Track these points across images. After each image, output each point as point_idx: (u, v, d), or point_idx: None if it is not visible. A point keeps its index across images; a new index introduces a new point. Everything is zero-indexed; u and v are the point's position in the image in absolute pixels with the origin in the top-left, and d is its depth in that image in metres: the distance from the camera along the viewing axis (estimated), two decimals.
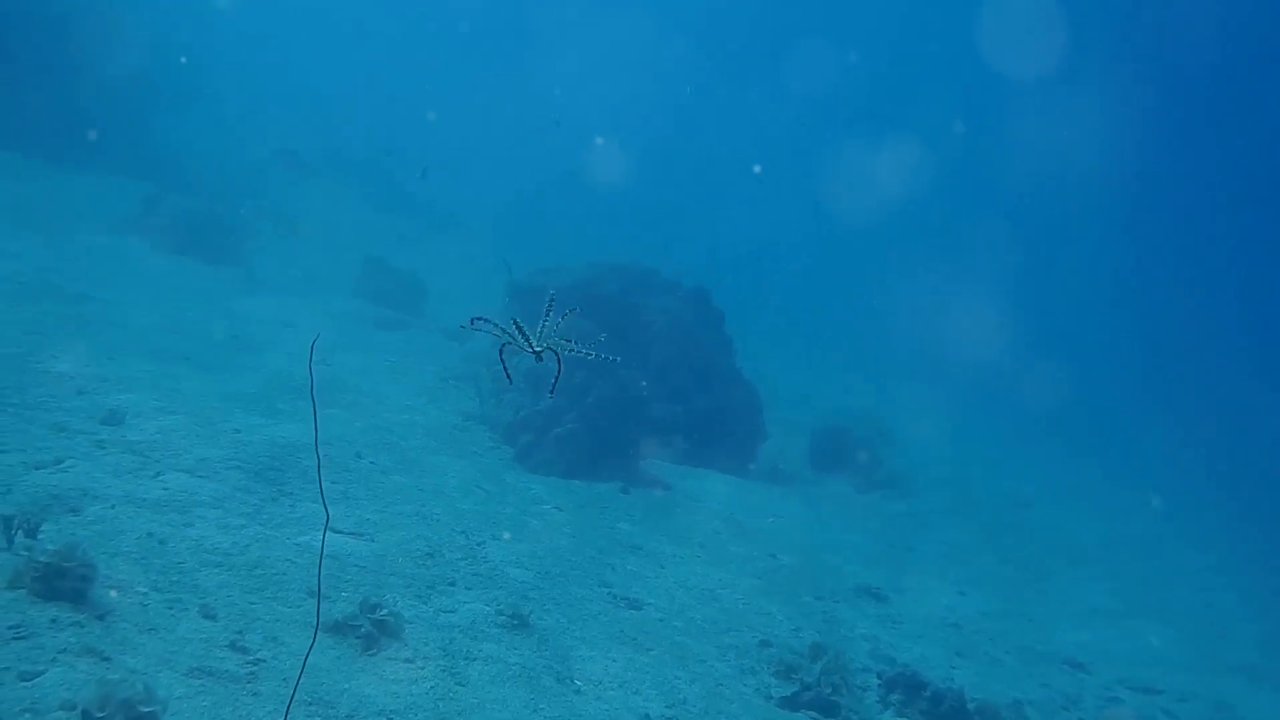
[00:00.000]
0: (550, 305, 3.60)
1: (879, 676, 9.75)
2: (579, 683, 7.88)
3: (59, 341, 11.90)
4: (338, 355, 15.73)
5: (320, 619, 7.26)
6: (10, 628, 5.70)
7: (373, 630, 7.24)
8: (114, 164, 22.86)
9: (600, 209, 40.69)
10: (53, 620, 5.91)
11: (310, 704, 6.16)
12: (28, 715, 4.97)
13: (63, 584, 6.17)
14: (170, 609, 6.61)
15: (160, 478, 8.83)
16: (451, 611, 8.21)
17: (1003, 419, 29.32)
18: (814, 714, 8.87)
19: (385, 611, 7.39)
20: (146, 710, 5.19)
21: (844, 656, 9.74)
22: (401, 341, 18.82)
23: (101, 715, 5.08)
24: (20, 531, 6.80)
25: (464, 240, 32.74)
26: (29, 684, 5.25)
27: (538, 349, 3.62)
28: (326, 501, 9.72)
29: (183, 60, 26.94)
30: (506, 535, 10.30)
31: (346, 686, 6.51)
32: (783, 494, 16.29)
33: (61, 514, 7.46)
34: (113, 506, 7.83)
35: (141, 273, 17.79)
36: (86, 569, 6.28)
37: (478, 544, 9.78)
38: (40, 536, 6.92)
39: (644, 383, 15.07)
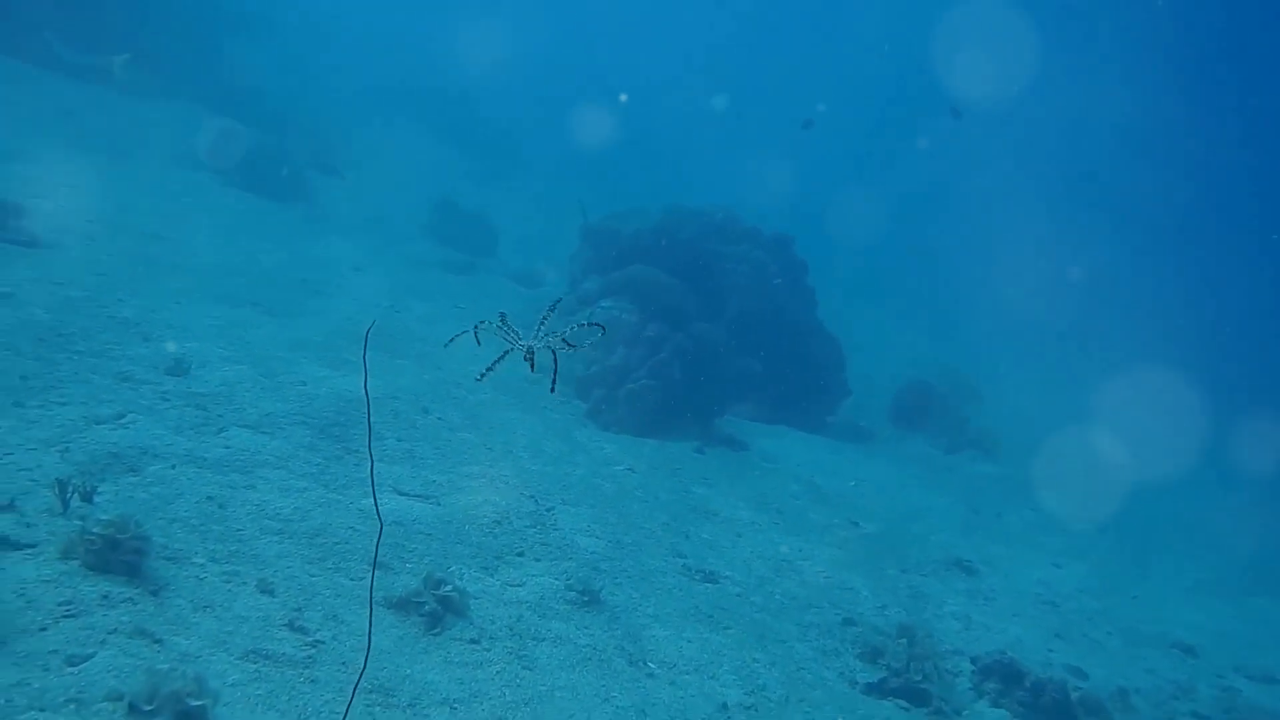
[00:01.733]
0: (553, 306, 3.47)
1: (973, 662, 9.13)
2: (652, 665, 7.43)
3: (126, 283, 11.68)
4: (406, 301, 15.37)
5: (383, 594, 6.89)
6: (60, 604, 5.40)
7: (437, 608, 6.85)
8: (189, 94, 22.72)
9: (667, 159, 39.57)
10: (104, 596, 5.60)
11: (370, 691, 5.79)
12: (72, 706, 4.66)
13: (116, 557, 5.86)
14: (227, 583, 6.28)
15: (223, 434, 8.53)
16: (519, 585, 7.80)
17: (1093, 377, 27.93)
18: (903, 703, 8.32)
19: (450, 588, 6.99)
20: (196, 704, 4.84)
21: (933, 639, 9.15)
22: (470, 286, 18.41)
23: (149, 709, 4.75)
24: (76, 495, 6.52)
25: (536, 181, 32.12)
26: (75, 670, 4.94)
27: (535, 346, 3.46)
28: (392, 460, 9.35)
29: None
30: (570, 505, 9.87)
31: (409, 672, 6.12)
32: (863, 454, 15.59)
33: (120, 474, 7.18)
34: (173, 466, 7.53)
35: (211, 210, 17.60)
36: (140, 542, 5.96)
37: (547, 510, 9.34)
38: (97, 500, 6.65)
39: (720, 336, 14.41)
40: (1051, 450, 18.17)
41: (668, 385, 13.17)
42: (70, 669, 4.94)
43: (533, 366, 3.52)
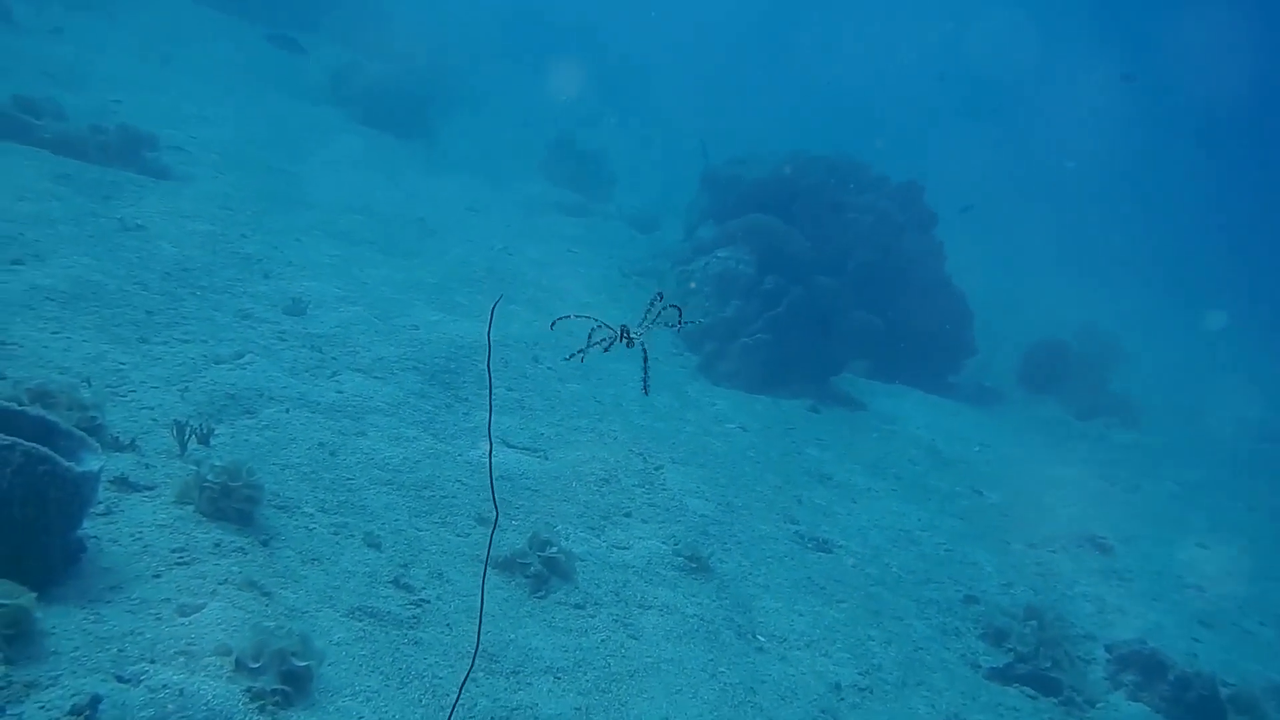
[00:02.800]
0: (657, 299, 3.39)
1: (1109, 651, 8.52)
2: (762, 639, 7.13)
3: (250, 219, 11.82)
4: (519, 243, 15.21)
5: (489, 556, 6.76)
6: (174, 551, 5.40)
7: (543, 570, 6.68)
8: (316, 26, 22.95)
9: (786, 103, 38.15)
10: (216, 544, 5.59)
11: (472, 657, 5.66)
12: (182, 659, 4.64)
13: (229, 504, 5.85)
14: (335, 535, 6.23)
15: (337, 378, 8.52)
16: (626, 549, 7.57)
17: (1248, 338, 25.94)
18: (1030, 690, 7.82)
19: (556, 549, 6.81)
20: (301, 665, 4.77)
21: (1064, 622, 8.57)
22: (584, 229, 18.14)
23: (255, 666, 4.70)
24: (194, 438, 6.56)
25: (653, 123, 31.50)
26: (187, 620, 4.92)
27: (634, 336, 3.39)
28: (501, 411, 9.22)
29: None
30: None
31: (513, 637, 5.98)
32: (988, 417, 14.80)
33: (237, 416, 7.22)
34: (287, 410, 7.54)
35: (333, 145, 17.74)
36: (253, 490, 5.93)
37: (655, 468, 9.08)
38: (213, 443, 6.68)
39: (841, 289, 13.77)
40: (1200, 419, 16.96)
41: (783, 340, 12.67)
42: (182, 619, 4.92)
43: (629, 344, 3.44)
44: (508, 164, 21.80)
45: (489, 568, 6.60)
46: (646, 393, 3.90)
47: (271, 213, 12.22)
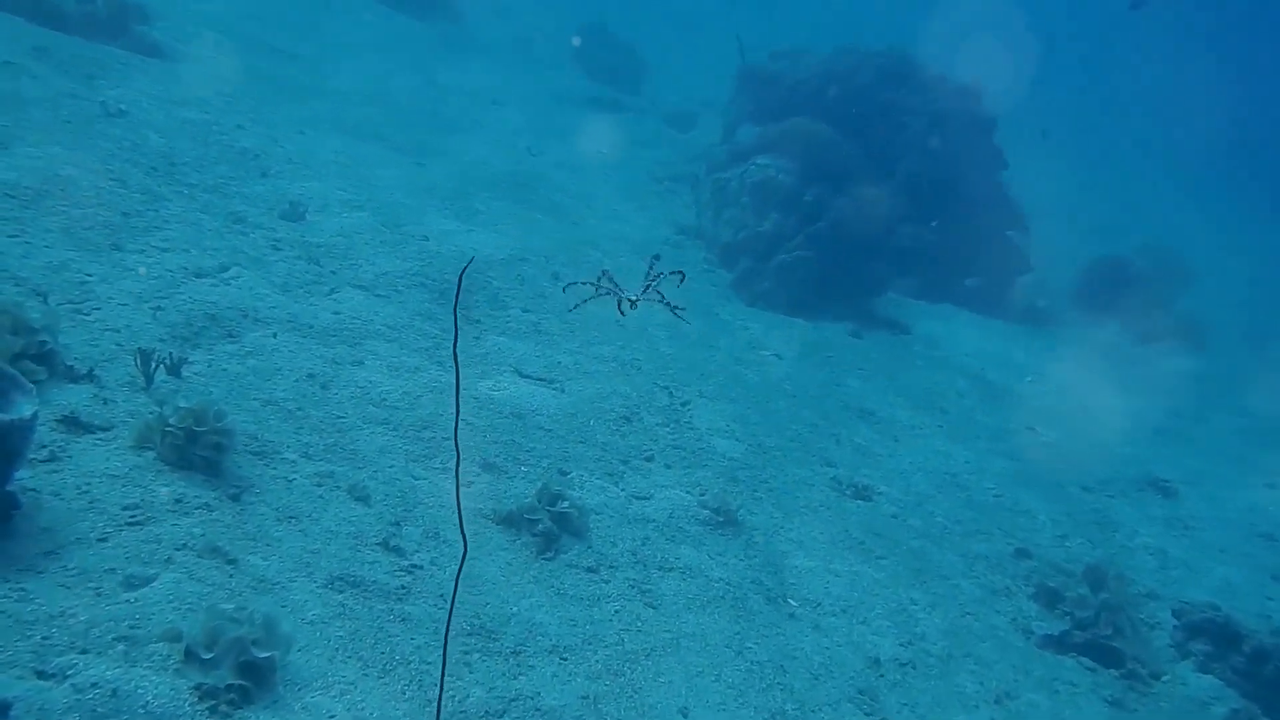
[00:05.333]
0: (654, 261, 3.46)
1: (1176, 616, 7.75)
2: (794, 604, 6.44)
3: (250, 107, 10.88)
4: (546, 142, 14.14)
5: (491, 505, 6.04)
6: (126, 508, 4.71)
7: (552, 527, 5.97)
8: None
9: None
10: (178, 500, 4.89)
11: (469, 635, 5.00)
12: (121, 647, 3.98)
13: (195, 452, 5.13)
14: (318, 486, 5.52)
15: (334, 295, 7.73)
16: (646, 499, 6.84)
17: None
18: (1088, 662, 7.12)
19: (567, 504, 6.08)
20: (264, 656, 4.10)
21: (1125, 581, 7.80)
22: (616, 127, 16.93)
23: (209, 657, 4.04)
24: (162, 368, 5.82)
25: (697, 8, 29.61)
26: (132, 595, 4.26)
27: (634, 299, 3.42)
28: (516, 335, 8.40)
29: None
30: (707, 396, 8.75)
31: (515, 609, 5.30)
32: (1042, 342, 13.80)
33: (216, 340, 6.46)
34: (275, 335, 6.77)
35: (349, 26, 16.58)
36: (222, 436, 5.20)
37: (682, 404, 8.28)
38: (186, 374, 5.94)
39: (889, 201, 12.66)
40: (1271, 345, 15.80)
41: (825, 257, 11.67)
42: (127, 595, 4.26)
43: (632, 306, 3.46)
44: (538, 50, 20.47)
45: (491, 523, 5.89)
46: (679, 316, 3.63)
47: (273, 101, 11.25)
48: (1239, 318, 16.92)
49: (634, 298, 3.39)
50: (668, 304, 3.47)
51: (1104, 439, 11.13)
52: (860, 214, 12.18)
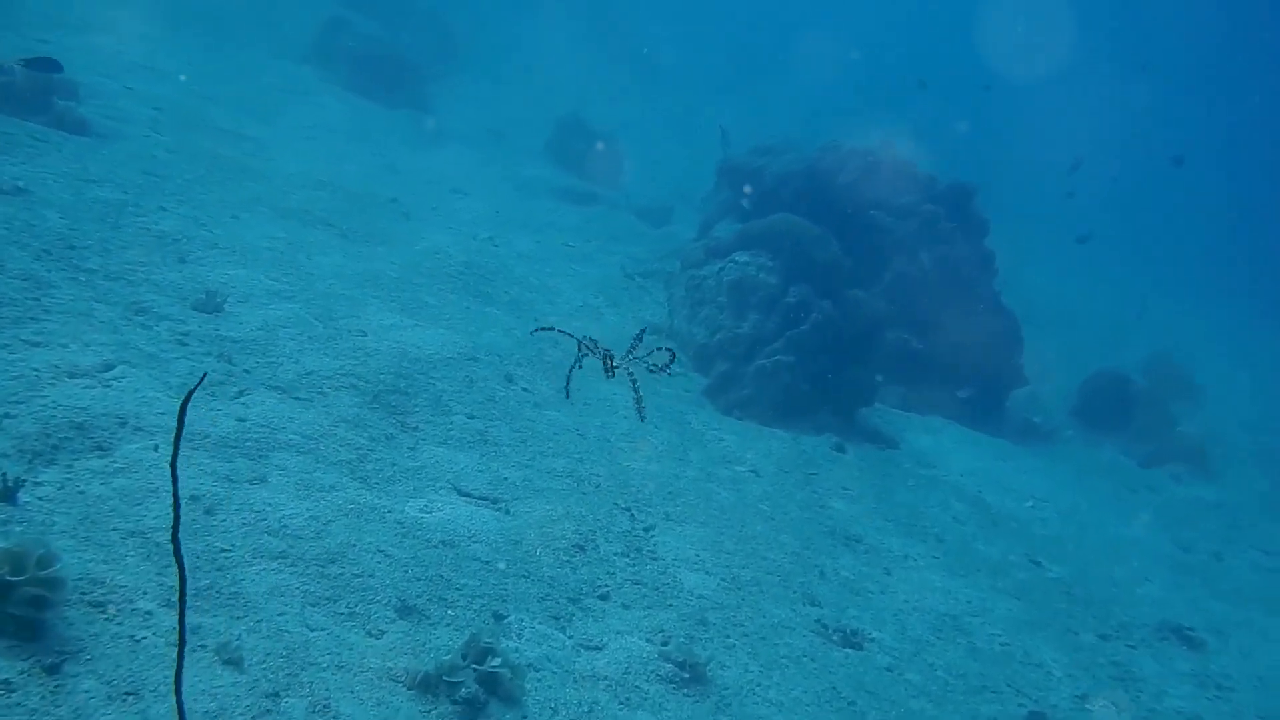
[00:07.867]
0: (641, 335, 3.44)
1: None
2: None
3: (180, 188, 9.93)
4: (509, 233, 13.29)
5: (405, 662, 4.86)
6: None
7: (478, 691, 4.80)
8: None
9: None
10: None
11: None
12: None
13: (6, 609, 3.97)
14: (174, 650, 4.33)
15: (243, 398, 6.64)
16: (598, 649, 5.68)
17: None
18: None
19: (499, 661, 4.92)
20: None
21: None
22: (587, 220, 16.19)
23: None
24: None
25: (676, 99, 29.43)
26: None
27: (616, 365, 3.38)
28: (459, 446, 7.31)
29: None
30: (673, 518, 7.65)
31: None
32: (1040, 462, 12.84)
33: (79, 455, 5.33)
34: (156, 447, 5.64)
35: (309, 110, 15.85)
36: (48, 586, 4.05)
37: (645, 529, 7.18)
38: (24, 499, 4.79)
39: (877, 305, 11.84)
40: None
41: (807, 363, 10.74)
42: None
43: (612, 371, 3.40)
44: (510, 140, 19.90)
45: (401, 688, 4.70)
46: (643, 419, 3.56)
47: (207, 182, 10.32)
48: (1247, 440, 16.07)
49: (618, 363, 3.38)
50: (635, 393, 3.43)
51: (1116, 576, 10.10)
52: (845, 317, 11.33)
